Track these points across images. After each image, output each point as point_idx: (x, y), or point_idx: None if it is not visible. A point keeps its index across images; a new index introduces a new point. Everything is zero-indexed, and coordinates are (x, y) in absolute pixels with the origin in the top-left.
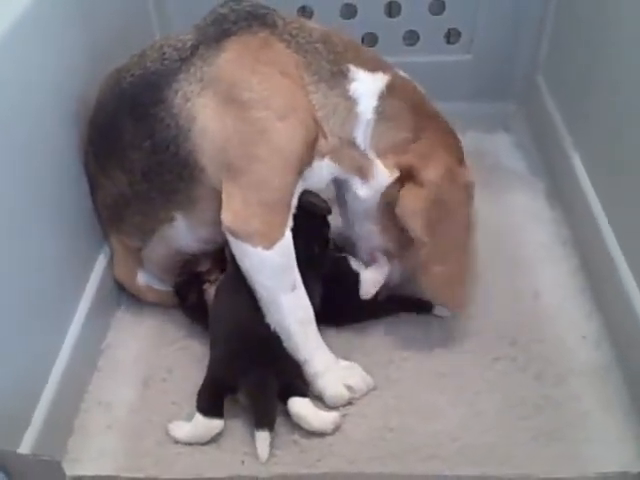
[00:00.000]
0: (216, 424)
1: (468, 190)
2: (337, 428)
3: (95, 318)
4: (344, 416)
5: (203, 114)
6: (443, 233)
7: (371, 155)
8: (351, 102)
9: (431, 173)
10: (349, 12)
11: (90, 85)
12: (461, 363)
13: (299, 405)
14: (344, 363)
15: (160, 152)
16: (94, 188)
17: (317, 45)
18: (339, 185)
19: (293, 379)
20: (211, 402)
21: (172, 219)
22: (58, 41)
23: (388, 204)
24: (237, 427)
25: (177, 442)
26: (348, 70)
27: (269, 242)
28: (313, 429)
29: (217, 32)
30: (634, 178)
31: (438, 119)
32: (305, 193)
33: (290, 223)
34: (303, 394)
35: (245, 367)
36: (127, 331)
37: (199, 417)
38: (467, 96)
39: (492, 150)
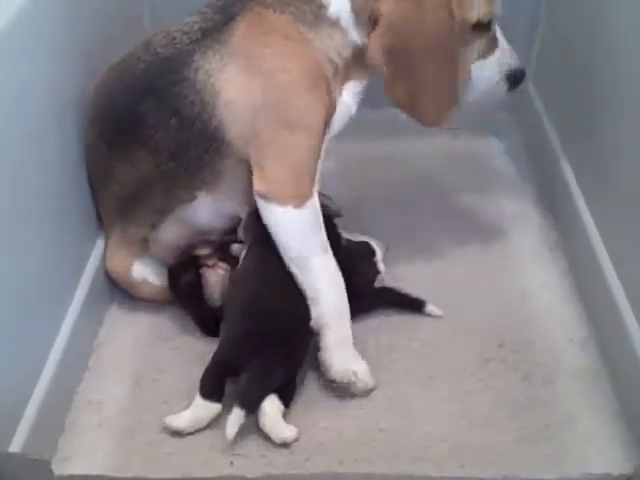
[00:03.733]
0: (215, 407)
1: (441, 10)
2: (284, 444)
3: (87, 317)
4: (334, 417)
5: (227, 88)
6: (406, 55)
7: (364, 39)
8: (336, 24)
9: (384, 5)
10: None
11: (84, 81)
12: (450, 365)
13: (276, 407)
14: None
15: (186, 129)
16: (104, 180)
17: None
18: None
19: (291, 380)
20: (214, 384)
21: (193, 198)
22: (52, 40)
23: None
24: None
25: (176, 433)
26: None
27: (300, 201)
28: (270, 432)
29: (223, 17)
30: (622, 183)
31: None
32: (319, 195)
33: (317, 182)
34: (286, 402)
35: (256, 348)
36: (119, 330)
37: (199, 400)
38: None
39: (483, 155)
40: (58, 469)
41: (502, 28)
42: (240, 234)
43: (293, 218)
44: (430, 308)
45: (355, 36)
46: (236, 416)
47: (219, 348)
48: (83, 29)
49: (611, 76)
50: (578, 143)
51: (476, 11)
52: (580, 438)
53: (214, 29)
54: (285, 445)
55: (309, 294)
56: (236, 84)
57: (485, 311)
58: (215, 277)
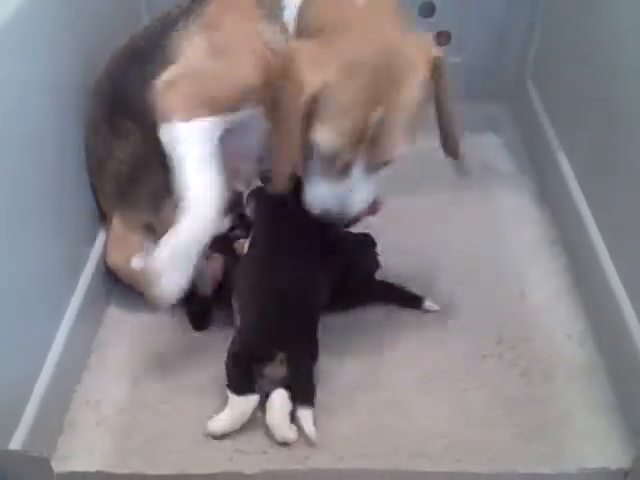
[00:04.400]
0: (253, 399)
1: (298, 82)
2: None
3: (85, 317)
4: (333, 414)
5: (188, 47)
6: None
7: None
8: (286, 30)
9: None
10: None
11: (82, 79)
12: (448, 361)
13: (285, 405)
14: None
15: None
16: (104, 164)
17: None
18: None
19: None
20: (245, 378)
21: None
22: (50, 39)
23: None
24: None
25: (220, 437)
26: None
27: (189, 117)
28: (275, 429)
29: None
30: (620, 179)
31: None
32: None
33: (219, 119)
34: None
35: (287, 335)
36: (117, 330)
37: (235, 398)
38: (456, 98)
39: (481, 151)
40: (57, 467)
41: (502, 23)
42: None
43: (177, 131)
44: (428, 304)
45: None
46: (307, 417)
47: (242, 341)
48: (81, 28)
49: (609, 71)
50: (576, 138)
51: (319, 137)
52: (578, 434)
53: (197, 2)
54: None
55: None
56: (194, 45)
57: (483, 307)
58: (212, 265)
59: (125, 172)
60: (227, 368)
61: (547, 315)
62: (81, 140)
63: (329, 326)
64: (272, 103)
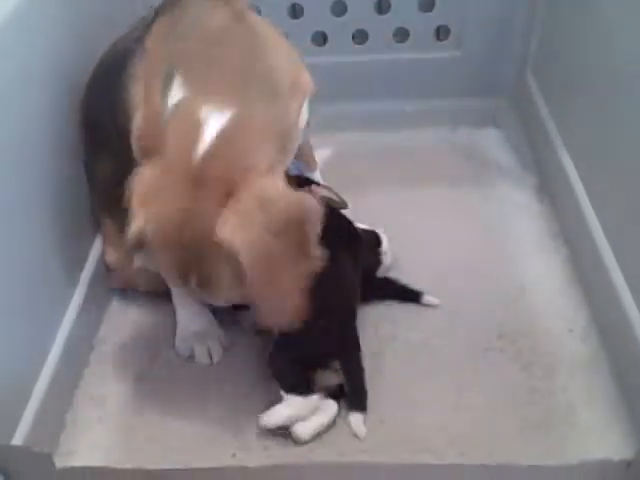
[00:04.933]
0: (314, 399)
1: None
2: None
3: (87, 313)
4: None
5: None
6: None
7: None
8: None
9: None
10: (339, 9)
11: (81, 78)
12: (450, 355)
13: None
14: (212, 330)
15: (123, 135)
16: (90, 173)
17: (179, 44)
18: None
19: None
20: (301, 378)
21: None
22: (48, 37)
23: None
24: (229, 421)
25: (280, 429)
26: (174, 76)
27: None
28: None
29: (152, 19)
30: (621, 173)
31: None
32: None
33: None
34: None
35: (343, 344)
36: (119, 326)
37: (295, 398)
38: (457, 92)
39: (482, 145)
40: (60, 463)
41: (502, 17)
42: None
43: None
44: (428, 298)
45: None
46: (358, 420)
47: (301, 347)
48: (80, 27)
49: (610, 64)
50: (577, 132)
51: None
52: (580, 427)
53: (145, 31)
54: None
55: None
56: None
57: (485, 301)
58: None
59: (109, 188)
60: (280, 371)
61: (549, 309)
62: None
63: None
64: None
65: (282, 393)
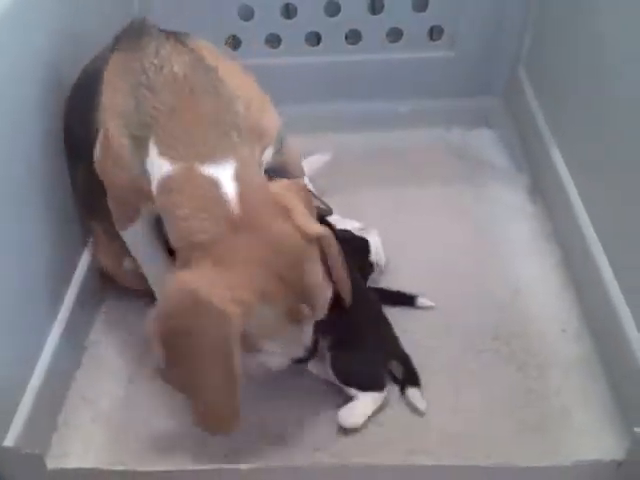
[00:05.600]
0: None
1: (219, 321)
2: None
3: (79, 314)
4: (331, 410)
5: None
6: (175, 351)
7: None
8: (147, 177)
9: (165, 289)
10: (333, 9)
11: (72, 73)
12: (445, 356)
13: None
14: None
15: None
16: (74, 180)
17: (147, 95)
18: None
19: None
20: (376, 376)
21: None
22: (41, 35)
23: None
24: None
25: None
26: (147, 141)
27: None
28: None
29: (113, 45)
30: (614, 173)
31: (227, 239)
32: None
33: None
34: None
35: (395, 344)
36: (111, 328)
37: (371, 395)
38: (450, 92)
39: (475, 146)
40: (52, 464)
41: (495, 17)
42: None
43: (122, 236)
44: (422, 301)
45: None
46: (417, 394)
47: (373, 344)
48: (75, 27)
49: (603, 65)
50: (570, 132)
51: (270, 347)
52: (574, 427)
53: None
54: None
55: None
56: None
57: (479, 302)
58: None
59: (91, 198)
60: (353, 374)
61: (542, 310)
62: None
63: None
64: (176, 354)
65: (355, 392)
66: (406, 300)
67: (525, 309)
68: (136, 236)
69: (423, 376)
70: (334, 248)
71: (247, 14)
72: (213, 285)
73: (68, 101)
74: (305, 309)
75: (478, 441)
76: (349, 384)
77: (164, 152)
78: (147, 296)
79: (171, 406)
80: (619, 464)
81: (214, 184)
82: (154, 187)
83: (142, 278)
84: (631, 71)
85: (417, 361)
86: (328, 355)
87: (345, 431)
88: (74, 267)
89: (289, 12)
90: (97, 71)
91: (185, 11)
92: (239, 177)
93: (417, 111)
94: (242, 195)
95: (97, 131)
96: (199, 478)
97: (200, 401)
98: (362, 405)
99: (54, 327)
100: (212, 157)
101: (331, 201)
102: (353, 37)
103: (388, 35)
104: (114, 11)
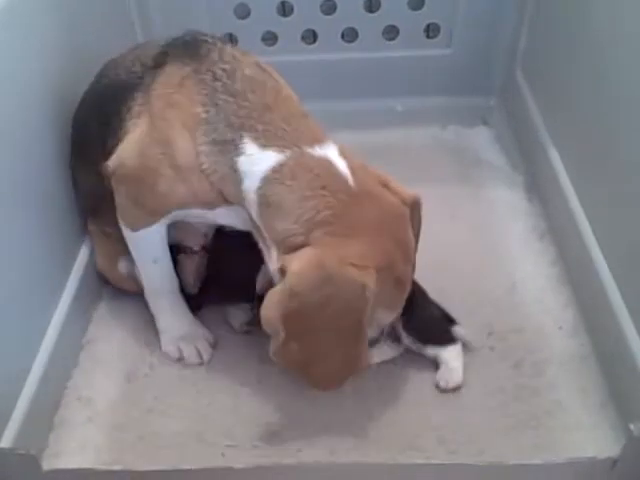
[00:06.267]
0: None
1: (356, 289)
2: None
3: (76, 313)
4: (325, 407)
5: (131, 132)
6: (304, 326)
7: (267, 237)
8: (237, 176)
9: (291, 266)
10: (329, 8)
11: (71, 83)
12: None
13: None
14: (196, 330)
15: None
16: (75, 181)
17: (228, 100)
18: None
19: None
20: (447, 330)
21: None
22: (38, 35)
23: None
24: (219, 420)
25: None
26: (241, 140)
27: (135, 228)
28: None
29: (161, 59)
30: (610, 171)
31: (352, 212)
32: None
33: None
34: None
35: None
36: (108, 326)
37: (455, 348)
38: (446, 90)
39: (471, 144)
40: (48, 464)
41: (491, 15)
42: None
43: (130, 236)
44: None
45: (253, 212)
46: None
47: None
48: (70, 25)
49: (599, 63)
50: (567, 130)
51: (387, 318)
52: (569, 424)
53: (152, 70)
54: None
55: None
56: (136, 134)
57: (474, 299)
58: (191, 264)
59: (94, 200)
60: (433, 327)
61: (538, 307)
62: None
63: None
64: (299, 331)
65: (434, 351)
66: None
67: (521, 306)
68: (147, 239)
69: (416, 373)
70: (419, 214)
71: (243, 12)
72: (345, 257)
73: (83, 105)
74: (410, 272)
75: (472, 438)
76: (430, 341)
77: (268, 144)
78: (142, 295)
79: (168, 405)
80: (614, 461)
81: (328, 163)
82: (253, 182)
83: (135, 281)
84: (627, 69)
85: (411, 358)
86: (400, 320)
87: (338, 430)
88: (71, 265)
89: (285, 10)
90: (126, 83)
91: (181, 9)
92: (343, 155)
93: (413, 109)
94: (352, 170)
95: (117, 138)
96: (196, 477)
97: (319, 369)
98: (454, 360)
99: (51, 325)
100: (316, 140)
101: None
102: (349, 35)
103: (384, 33)
104: (110, 10)
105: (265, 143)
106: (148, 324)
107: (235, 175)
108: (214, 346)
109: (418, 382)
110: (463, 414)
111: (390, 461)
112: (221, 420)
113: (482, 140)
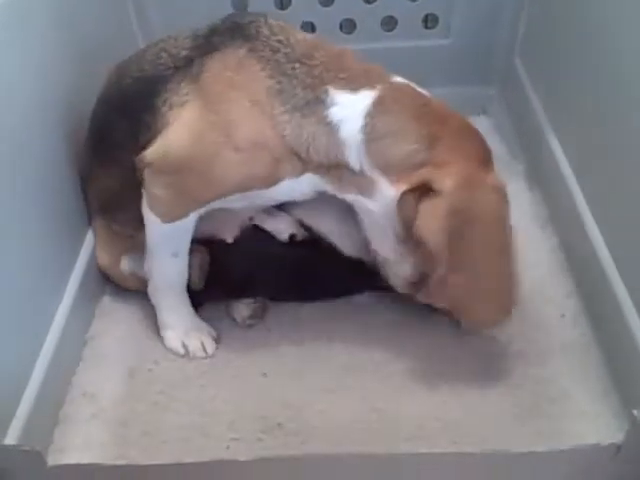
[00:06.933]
0: None
1: (498, 194)
2: None
3: (79, 309)
4: (329, 399)
5: (175, 121)
6: (465, 245)
7: (372, 173)
8: (331, 128)
9: (446, 183)
10: (327, 0)
11: (73, 87)
12: (442, 344)
13: None
14: (199, 325)
15: (139, 152)
16: (89, 178)
17: (296, 66)
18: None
19: None
20: None
21: None
22: (39, 36)
23: (406, 223)
24: (223, 413)
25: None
26: (326, 94)
27: (172, 220)
28: None
29: (205, 46)
30: (611, 159)
31: (452, 121)
32: None
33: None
34: None
35: None
36: (112, 322)
37: None
38: (446, 81)
39: None
40: (53, 460)
41: (490, 4)
42: None
43: (156, 229)
44: None
45: (353, 156)
46: None
47: None
48: (70, 33)
49: (599, 51)
50: (567, 119)
51: None
52: (573, 412)
53: (193, 59)
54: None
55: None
56: (184, 122)
57: None
58: (196, 259)
59: (107, 198)
60: None
61: (540, 295)
62: (69, 134)
63: (316, 312)
64: (465, 251)
65: None
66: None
67: (523, 294)
68: (176, 231)
69: (419, 363)
70: None
71: (241, 5)
72: (477, 169)
73: (103, 107)
74: None
75: (475, 427)
76: None
77: (358, 87)
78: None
79: (173, 399)
80: (618, 447)
81: (416, 92)
82: (355, 123)
83: (137, 279)
84: (626, 58)
85: (414, 348)
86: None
87: (342, 421)
88: (74, 261)
89: (283, 3)
90: (150, 77)
91: (179, 2)
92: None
93: None
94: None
95: (154, 131)
96: (200, 471)
97: (482, 301)
98: None
99: (54, 322)
100: (391, 76)
101: None
102: (347, 26)
103: (383, 24)
104: (109, 8)
105: (355, 87)
106: (151, 319)
107: (327, 128)
108: (218, 341)
109: (421, 372)
110: (466, 403)
111: (394, 451)
112: (225, 414)
113: (482, 130)
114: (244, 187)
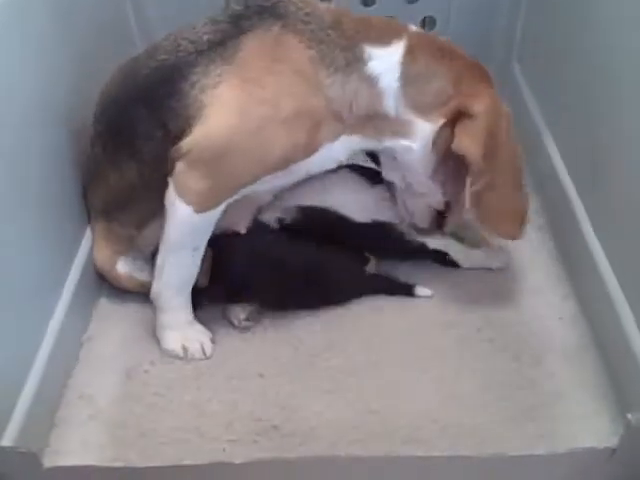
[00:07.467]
0: None
1: (509, 119)
2: None
3: (76, 310)
4: (326, 400)
5: (212, 104)
6: (497, 163)
7: (408, 116)
8: (371, 81)
9: (480, 105)
10: (325, 2)
11: (72, 87)
12: (440, 345)
13: None
14: (198, 327)
15: (169, 141)
16: (94, 178)
17: (329, 32)
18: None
19: None
20: None
21: None
22: (38, 36)
23: (444, 151)
24: (220, 415)
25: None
26: (362, 52)
27: (203, 210)
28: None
29: (234, 30)
30: (608, 163)
31: (467, 58)
32: None
33: (227, 203)
34: None
35: None
36: (108, 323)
37: None
38: None
39: None
40: (50, 462)
41: (487, 7)
42: None
43: (186, 222)
44: (420, 290)
45: (391, 104)
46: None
47: None
48: (71, 26)
49: (596, 54)
50: (563, 122)
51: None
52: (569, 415)
53: (222, 43)
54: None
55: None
56: (222, 103)
57: (473, 291)
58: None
59: (113, 198)
60: None
61: (538, 298)
62: (69, 134)
63: (313, 314)
64: (497, 166)
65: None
66: (404, 289)
67: (521, 297)
68: (205, 222)
69: (417, 365)
70: None
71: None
72: (495, 97)
73: (116, 104)
74: None
75: (472, 430)
76: None
77: (388, 41)
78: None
79: (169, 401)
80: (613, 451)
81: (433, 37)
82: (392, 73)
83: (134, 281)
84: (624, 61)
85: (412, 350)
86: None
87: (339, 423)
88: (71, 262)
89: None
90: (172, 63)
91: (177, 1)
92: None
93: None
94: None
95: (187, 116)
96: (197, 473)
97: (507, 217)
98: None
99: (51, 323)
100: (406, 24)
101: None
102: None
103: None
104: (108, 7)
105: (386, 41)
106: (148, 321)
107: (368, 82)
108: (213, 342)
109: (418, 374)
110: (463, 406)
111: (391, 454)
112: (222, 415)
113: None
114: (286, 160)
